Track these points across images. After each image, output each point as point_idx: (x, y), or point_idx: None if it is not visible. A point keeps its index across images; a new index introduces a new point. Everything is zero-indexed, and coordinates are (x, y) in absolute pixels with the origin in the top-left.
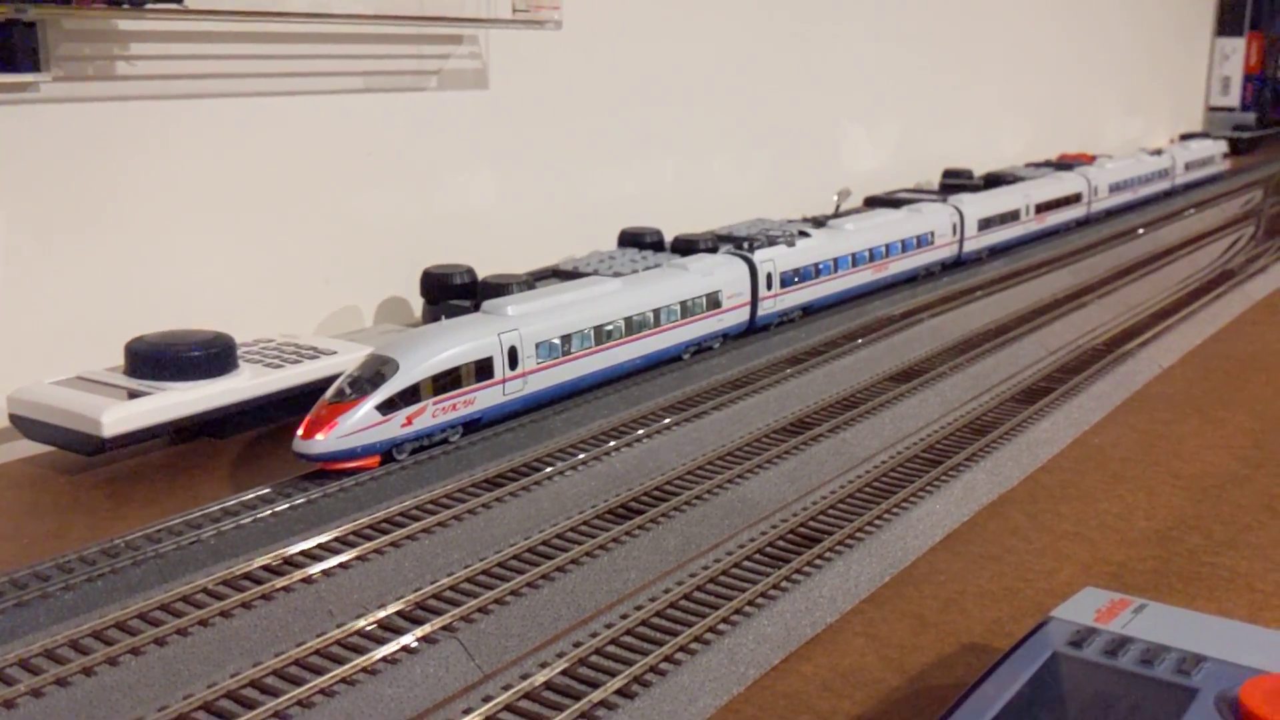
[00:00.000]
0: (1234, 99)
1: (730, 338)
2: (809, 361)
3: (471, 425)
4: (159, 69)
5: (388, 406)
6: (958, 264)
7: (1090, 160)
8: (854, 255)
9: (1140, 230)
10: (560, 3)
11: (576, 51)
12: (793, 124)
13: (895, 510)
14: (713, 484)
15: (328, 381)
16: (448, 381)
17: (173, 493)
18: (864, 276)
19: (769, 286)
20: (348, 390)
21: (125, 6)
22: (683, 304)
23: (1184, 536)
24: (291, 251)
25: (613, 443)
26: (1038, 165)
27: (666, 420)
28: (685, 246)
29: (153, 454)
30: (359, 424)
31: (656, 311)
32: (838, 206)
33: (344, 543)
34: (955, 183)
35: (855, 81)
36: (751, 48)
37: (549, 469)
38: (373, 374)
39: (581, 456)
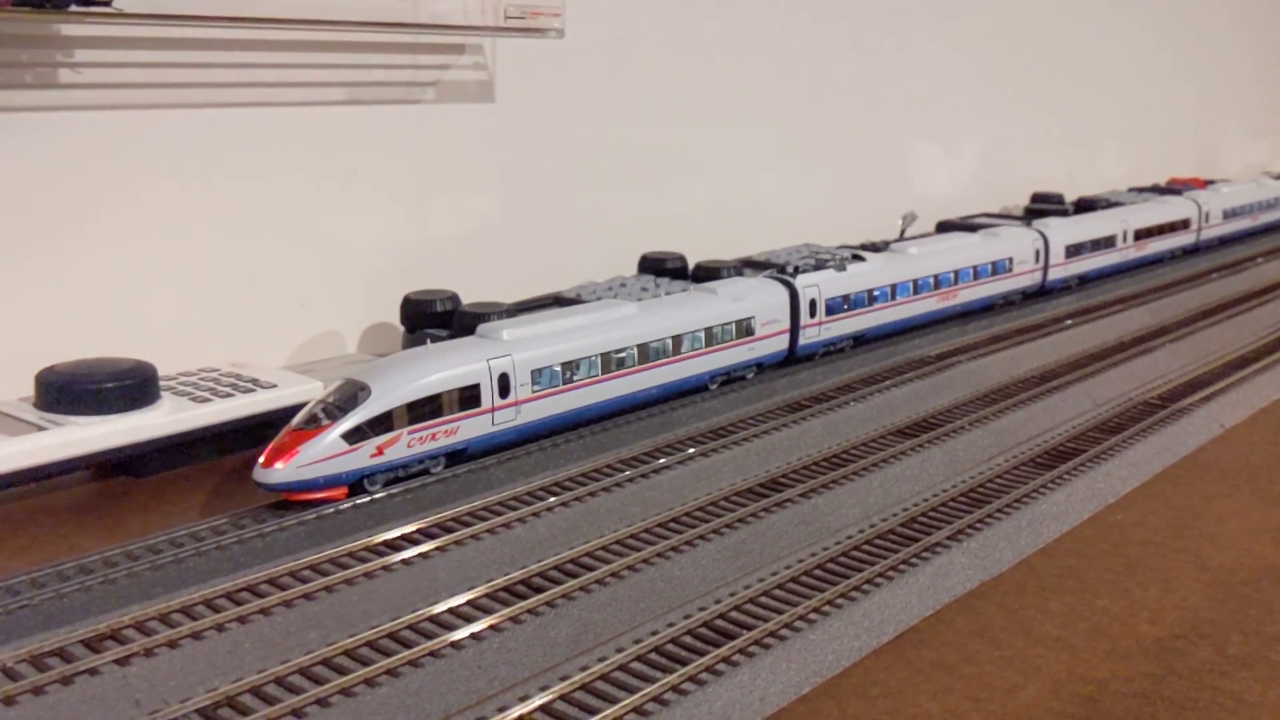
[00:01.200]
0: None
1: (766, 368)
2: (811, 409)
3: (457, 456)
4: (108, 77)
5: (355, 435)
6: (1042, 293)
7: (1202, 185)
8: (916, 282)
9: (1212, 276)
10: (562, 9)
11: (598, 61)
12: (855, 141)
13: (843, 599)
14: (640, 557)
15: (259, 417)
16: (426, 410)
17: (49, 542)
18: (927, 305)
19: (812, 314)
20: (320, 416)
21: (46, 9)
22: (708, 331)
23: (1191, 648)
24: (264, 273)
25: (550, 500)
26: (1142, 190)
27: (620, 476)
28: (706, 274)
29: (61, 492)
30: (322, 453)
31: (677, 338)
32: (903, 231)
33: (188, 614)
34: (1042, 208)
35: (930, 96)
36: (808, 58)
37: (461, 530)
38: (344, 400)
39: (505, 517)
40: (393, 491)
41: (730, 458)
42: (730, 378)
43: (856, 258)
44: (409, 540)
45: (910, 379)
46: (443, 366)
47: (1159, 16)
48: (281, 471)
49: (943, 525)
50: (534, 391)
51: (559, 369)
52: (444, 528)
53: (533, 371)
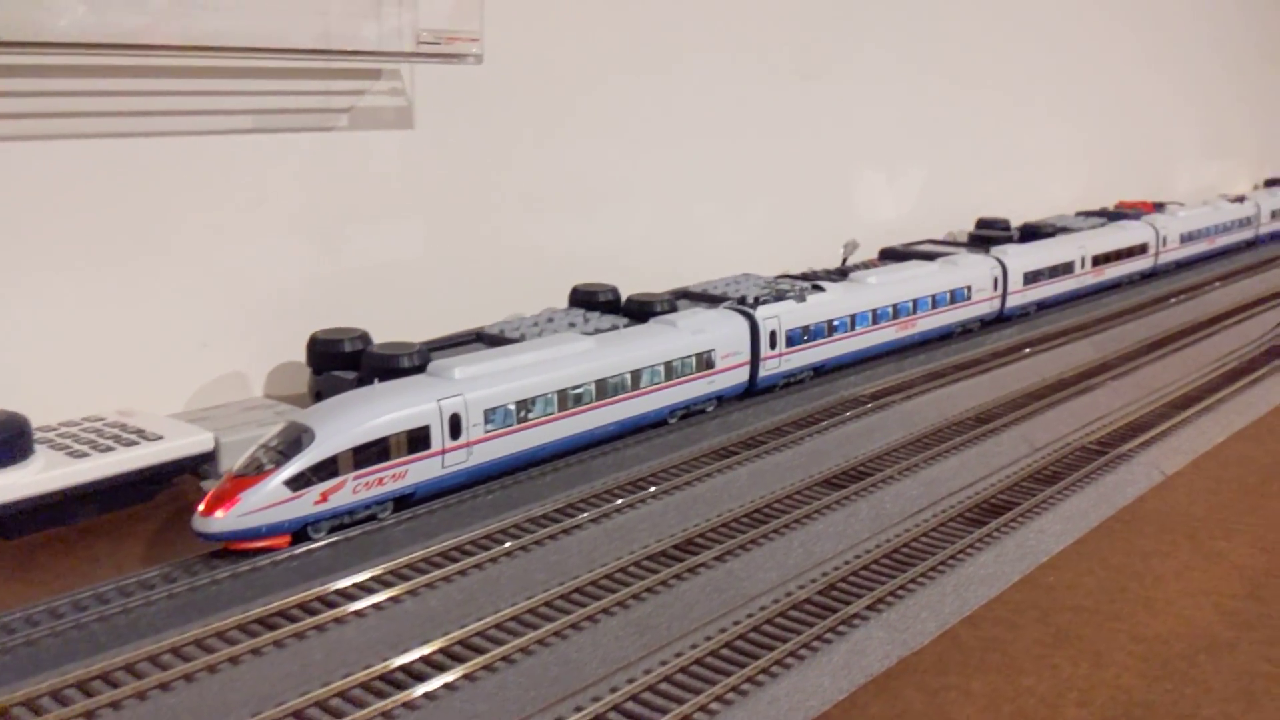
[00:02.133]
0: None
1: (726, 400)
2: (739, 455)
3: (406, 500)
4: None
5: (299, 481)
6: (1001, 320)
7: (1151, 209)
8: (875, 311)
9: (1172, 300)
10: (481, 35)
11: (524, 86)
12: (797, 168)
13: (749, 684)
14: (535, 637)
15: (144, 472)
16: (373, 454)
17: None
18: (887, 334)
19: (773, 345)
20: (263, 461)
21: None
22: (668, 364)
23: None
24: (161, 312)
25: (448, 567)
26: (1090, 214)
27: (527, 538)
28: (639, 307)
29: None
30: (263, 501)
31: (636, 373)
32: (844, 260)
33: (31, 708)
34: (988, 234)
35: (873, 120)
36: (747, 82)
37: (343, 605)
38: (286, 444)
39: (395, 589)
40: (276, 559)
41: (648, 514)
42: (689, 411)
43: (816, 288)
44: (286, 617)
45: (844, 421)
46: (391, 408)
47: (1104, 40)
48: (221, 520)
49: (863, 593)
50: (487, 431)
51: (513, 408)
52: (326, 602)
53: (486, 411)
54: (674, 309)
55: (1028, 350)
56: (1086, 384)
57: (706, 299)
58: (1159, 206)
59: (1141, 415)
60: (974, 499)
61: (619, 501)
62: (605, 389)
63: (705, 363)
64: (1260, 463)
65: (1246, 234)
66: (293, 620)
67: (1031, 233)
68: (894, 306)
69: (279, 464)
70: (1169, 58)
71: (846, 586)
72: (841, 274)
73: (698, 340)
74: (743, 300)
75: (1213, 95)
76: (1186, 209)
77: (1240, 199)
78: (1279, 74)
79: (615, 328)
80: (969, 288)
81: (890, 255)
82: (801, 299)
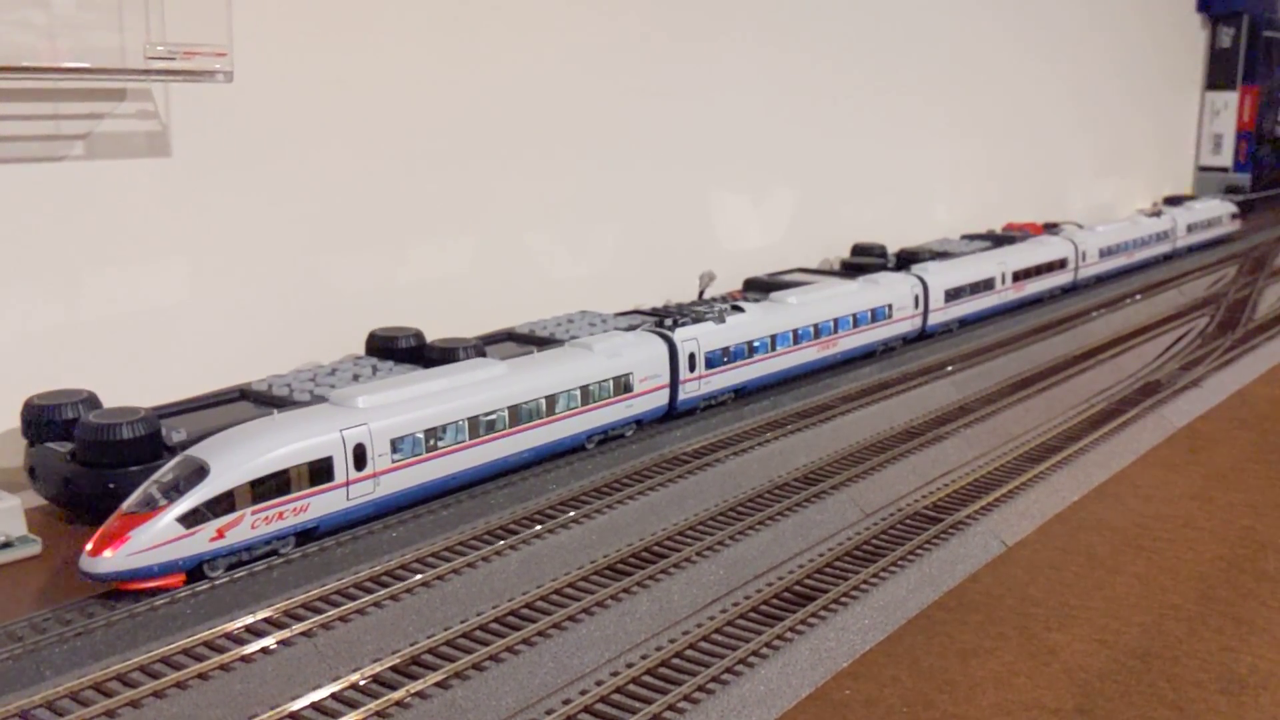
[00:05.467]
0: (1226, 158)
1: (645, 424)
2: (519, 534)
3: (310, 534)
4: None
5: (193, 518)
6: (923, 337)
7: (1040, 230)
8: (796, 332)
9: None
10: (229, 49)
11: (312, 107)
12: (649, 195)
13: None
14: None
15: None
16: (272, 487)
17: None
18: (808, 354)
19: (692, 368)
20: (156, 497)
21: None
22: (584, 389)
23: None
24: None
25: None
26: (975, 238)
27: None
28: (441, 355)
29: None
30: (154, 539)
31: (551, 398)
32: (701, 292)
33: None
34: (862, 261)
35: (735, 143)
36: (589, 103)
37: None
38: (180, 479)
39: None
40: (174, 597)
41: (376, 623)
42: (608, 436)
43: (735, 308)
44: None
45: (652, 486)
46: (290, 439)
47: (992, 55)
48: (110, 560)
49: None
50: (394, 461)
51: (421, 436)
52: (234, 639)
53: (392, 440)
54: (482, 354)
55: (946, 377)
56: (937, 432)
57: (535, 342)
58: (1050, 228)
59: (990, 470)
60: (777, 586)
61: (346, 605)
62: (519, 415)
63: (623, 386)
64: (1115, 527)
65: (1164, 247)
66: (198, 659)
67: (908, 259)
68: (815, 326)
69: (172, 500)
70: (1061, 74)
71: (592, 717)
72: (697, 306)
73: (615, 364)
74: (660, 322)
75: (1108, 113)
76: (1106, 225)
77: (1157, 213)
78: (1176, 91)
79: None
80: (890, 306)
81: (755, 286)
82: (721, 320)
